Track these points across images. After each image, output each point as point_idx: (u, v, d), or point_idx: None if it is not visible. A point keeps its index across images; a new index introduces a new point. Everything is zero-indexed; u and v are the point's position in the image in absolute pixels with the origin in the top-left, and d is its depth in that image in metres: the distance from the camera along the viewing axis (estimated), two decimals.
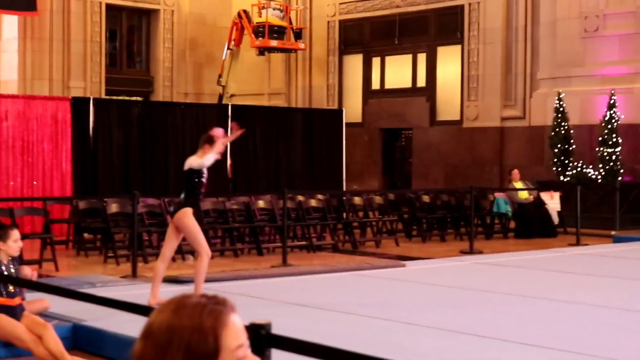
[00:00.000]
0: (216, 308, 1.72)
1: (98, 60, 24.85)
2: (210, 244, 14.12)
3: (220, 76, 24.48)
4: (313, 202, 16.05)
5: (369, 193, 17.97)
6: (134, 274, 11.49)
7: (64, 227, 15.32)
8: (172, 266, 12.94)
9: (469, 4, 23.50)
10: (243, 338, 1.75)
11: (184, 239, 9.58)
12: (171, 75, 26.76)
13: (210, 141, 8.98)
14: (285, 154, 19.62)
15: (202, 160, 8.92)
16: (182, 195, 9.04)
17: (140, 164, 17.60)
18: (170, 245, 9.18)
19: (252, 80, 27.54)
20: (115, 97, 23.49)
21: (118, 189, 16.80)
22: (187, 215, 8.92)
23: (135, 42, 27.05)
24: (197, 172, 8.96)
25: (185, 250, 13.91)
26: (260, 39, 23.99)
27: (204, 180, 9.04)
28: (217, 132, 9.16)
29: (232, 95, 24.22)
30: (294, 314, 8.20)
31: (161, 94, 26.38)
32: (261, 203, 15.41)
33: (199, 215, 9.36)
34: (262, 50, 24.63)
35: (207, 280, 10.57)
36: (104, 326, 7.63)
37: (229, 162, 18.90)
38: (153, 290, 8.96)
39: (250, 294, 9.59)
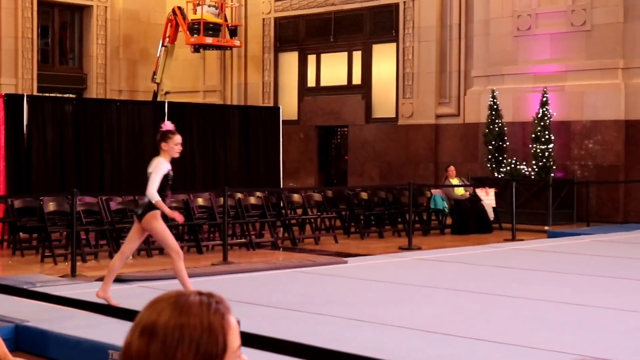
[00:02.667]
0: (220, 307, 1.70)
1: (30, 57, 24.46)
2: (149, 242, 14.05)
3: (154, 73, 24.30)
4: (252, 200, 16.03)
5: (307, 190, 17.99)
6: (73, 273, 11.36)
7: None
8: None
9: (404, 2, 23.69)
10: (239, 339, 1.74)
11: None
12: (104, 72, 26.46)
13: (165, 138, 8.64)
14: (221, 152, 19.54)
15: (162, 168, 8.61)
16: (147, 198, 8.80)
17: (75, 162, 17.37)
18: (131, 244, 8.99)
19: (187, 78, 27.39)
20: (48, 94, 23.14)
21: (53, 187, 16.56)
22: (155, 218, 8.70)
23: (68, 39, 26.68)
24: (164, 176, 8.66)
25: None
26: (195, 36, 23.87)
27: (169, 182, 8.77)
28: (167, 125, 8.81)
29: (166, 93, 24.05)
30: (239, 312, 8.18)
31: (94, 91, 26.07)
32: (200, 201, 15.34)
33: (164, 216, 9.04)
34: (197, 48, 24.51)
35: (147, 279, 10.52)
36: (48, 327, 7.52)
37: None
38: (105, 285, 8.82)
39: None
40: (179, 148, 8.68)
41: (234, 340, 1.69)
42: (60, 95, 23.71)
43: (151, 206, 8.68)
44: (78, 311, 7.12)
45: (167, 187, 8.75)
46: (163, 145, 8.63)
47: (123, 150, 18.10)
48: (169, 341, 1.64)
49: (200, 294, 1.72)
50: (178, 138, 8.66)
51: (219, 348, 1.66)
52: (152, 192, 8.61)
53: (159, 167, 8.62)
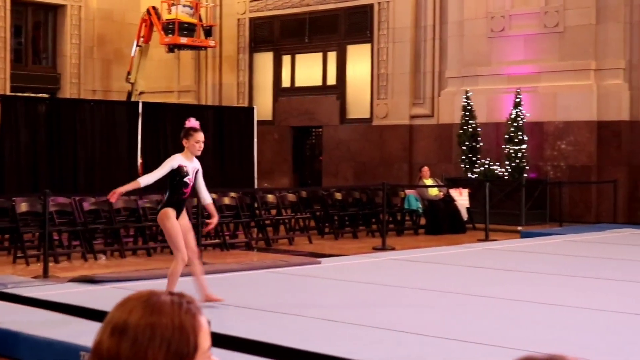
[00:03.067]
0: (191, 307, 1.69)
1: (3, 56, 24.32)
2: (122, 243, 14.00)
3: (129, 73, 24.21)
4: (226, 200, 16.01)
5: (282, 191, 17.98)
6: (45, 274, 11.29)
7: None
8: (84, 266, 12.78)
9: (379, 3, 23.74)
10: (210, 339, 1.73)
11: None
12: (78, 72, 26.35)
13: (186, 135, 8.50)
14: None
15: (171, 162, 8.49)
16: (166, 195, 8.70)
17: (48, 162, 17.30)
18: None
19: (161, 78, 27.31)
20: (21, 94, 22.99)
21: (25, 187, 16.48)
22: (166, 216, 8.56)
23: (41, 38, 26.55)
24: (176, 172, 8.52)
25: (97, 250, 13.74)
26: (169, 36, 23.80)
27: (186, 180, 8.56)
28: (191, 122, 8.60)
29: (141, 93, 23.96)
30: (212, 313, 8.18)
31: (68, 91, 25.95)
32: None
33: (185, 215, 8.75)
34: (171, 48, 24.43)
35: (120, 280, 10.48)
36: (19, 328, 7.48)
37: (139, 160, 18.72)
38: (201, 286, 8.74)
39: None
40: (199, 146, 8.53)
41: (205, 340, 1.69)
42: (34, 95, 23.56)
43: (165, 204, 8.61)
44: (50, 312, 7.09)
45: (182, 184, 8.56)
46: (184, 142, 8.53)
47: (97, 150, 18.04)
48: (140, 340, 1.63)
49: (171, 294, 1.72)
50: (199, 136, 8.51)
51: (189, 348, 1.65)
52: (145, 177, 8.62)
53: (167, 161, 8.53)
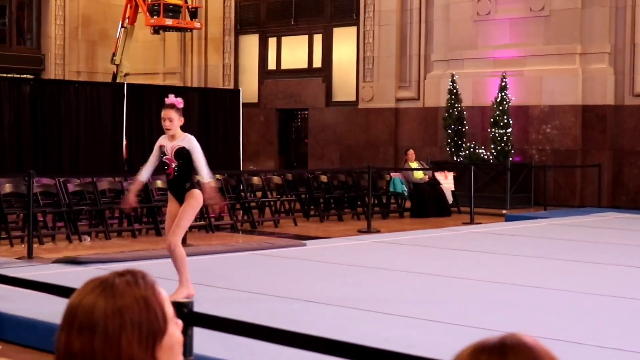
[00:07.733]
0: (146, 280, 1.64)
1: None
2: (107, 225, 13.97)
3: (114, 54, 24.08)
4: (211, 182, 15.94)
5: (267, 173, 17.97)
6: (29, 255, 11.26)
7: None
8: (69, 247, 12.76)
9: None
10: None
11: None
12: (63, 53, 26.21)
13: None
14: None
15: (157, 144, 8.38)
16: None
17: (33, 143, 17.23)
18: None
19: (147, 59, 27.20)
20: (5, 75, 22.86)
21: (10, 168, 16.42)
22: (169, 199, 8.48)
23: (26, 19, 26.37)
24: (161, 153, 8.35)
25: (82, 231, 13.71)
26: (155, 17, 23.67)
27: (165, 160, 8.29)
28: (167, 99, 8.37)
29: (126, 74, 23.85)
30: (199, 294, 8.19)
31: (53, 72, 25.82)
32: (159, 183, 15.24)
33: (177, 198, 8.37)
34: (156, 29, 24.30)
35: (105, 261, 10.47)
36: (3, 308, 7.47)
37: (124, 142, 18.67)
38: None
39: (152, 275, 9.48)
40: (163, 124, 8.24)
41: (169, 308, 1.65)
42: (18, 76, 23.44)
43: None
44: (34, 293, 7.08)
45: (163, 165, 8.38)
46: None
47: (81, 131, 17.99)
48: (111, 331, 1.57)
49: (121, 274, 1.65)
50: (163, 112, 8.26)
51: (160, 322, 1.61)
52: (142, 171, 8.54)
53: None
